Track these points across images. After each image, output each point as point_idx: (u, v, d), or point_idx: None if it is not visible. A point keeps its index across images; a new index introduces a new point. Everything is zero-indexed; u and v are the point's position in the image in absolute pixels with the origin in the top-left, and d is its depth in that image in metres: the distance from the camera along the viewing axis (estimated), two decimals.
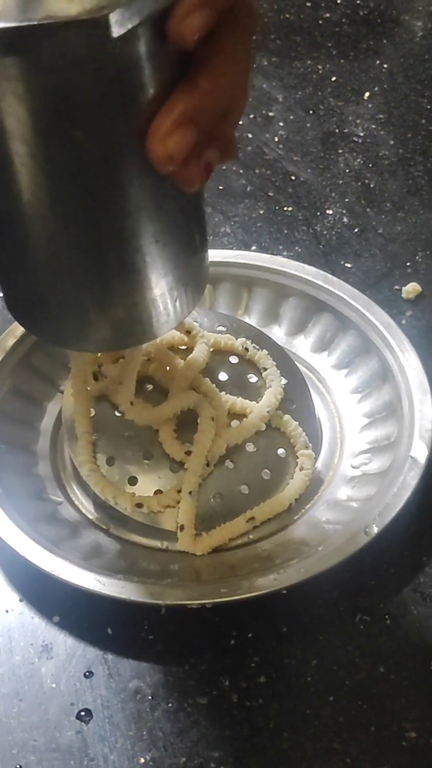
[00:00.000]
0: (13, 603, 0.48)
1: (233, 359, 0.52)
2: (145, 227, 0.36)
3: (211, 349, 0.51)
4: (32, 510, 0.49)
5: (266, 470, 0.49)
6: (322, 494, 0.50)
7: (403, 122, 0.76)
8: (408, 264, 0.64)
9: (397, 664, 0.44)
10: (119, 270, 0.37)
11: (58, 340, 0.42)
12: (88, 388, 0.50)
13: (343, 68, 0.82)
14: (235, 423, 0.49)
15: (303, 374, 0.54)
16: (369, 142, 0.74)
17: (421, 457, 0.48)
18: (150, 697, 0.44)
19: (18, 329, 0.55)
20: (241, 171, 0.72)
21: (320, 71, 0.82)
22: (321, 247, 0.66)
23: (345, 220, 0.68)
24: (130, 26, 0.30)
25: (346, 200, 0.69)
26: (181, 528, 0.47)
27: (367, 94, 0.79)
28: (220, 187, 0.70)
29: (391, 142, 0.74)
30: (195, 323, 0.51)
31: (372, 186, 0.70)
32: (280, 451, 0.50)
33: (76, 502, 0.51)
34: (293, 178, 0.72)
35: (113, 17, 0.29)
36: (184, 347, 0.51)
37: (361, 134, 0.75)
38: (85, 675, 0.45)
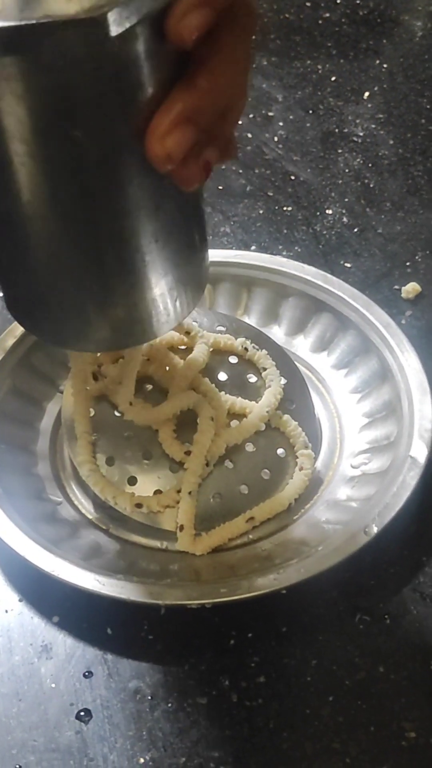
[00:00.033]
0: (13, 603, 0.48)
1: (233, 359, 0.52)
2: (145, 227, 0.36)
3: (211, 349, 0.51)
4: (32, 510, 0.49)
5: (266, 470, 0.49)
6: (321, 494, 0.50)
7: (402, 122, 0.76)
8: (408, 264, 0.64)
9: (396, 664, 0.44)
10: (119, 270, 0.37)
11: (58, 340, 0.41)
12: (88, 388, 0.50)
13: (342, 68, 0.82)
14: (234, 423, 0.49)
15: (302, 374, 0.54)
16: (369, 142, 0.74)
17: (421, 457, 0.48)
18: (150, 697, 0.44)
19: (18, 329, 0.55)
20: (240, 171, 0.72)
21: (320, 71, 0.82)
22: (321, 246, 0.66)
23: (345, 219, 0.68)
24: (128, 25, 0.30)
25: (346, 200, 0.69)
26: (181, 528, 0.47)
27: (366, 94, 0.79)
28: (220, 187, 0.70)
29: (391, 142, 0.74)
30: (194, 323, 0.51)
31: (372, 186, 0.70)
32: (280, 451, 0.50)
33: (76, 502, 0.51)
34: (293, 177, 0.72)
35: (111, 16, 0.29)
36: (183, 347, 0.51)
37: (361, 134, 0.75)
38: (84, 675, 0.45)
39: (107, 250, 0.36)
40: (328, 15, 0.88)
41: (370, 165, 0.72)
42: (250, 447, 0.49)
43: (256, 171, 0.72)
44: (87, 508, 0.51)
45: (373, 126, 0.76)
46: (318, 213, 0.68)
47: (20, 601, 0.48)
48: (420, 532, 0.49)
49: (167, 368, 0.50)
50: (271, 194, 0.70)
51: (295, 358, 0.55)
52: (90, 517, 0.51)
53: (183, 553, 0.48)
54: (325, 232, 0.67)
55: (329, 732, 0.42)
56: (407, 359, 0.53)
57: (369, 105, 0.78)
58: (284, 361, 0.53)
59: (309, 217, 0.68)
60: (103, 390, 0.50)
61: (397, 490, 0.47)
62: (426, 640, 0.45)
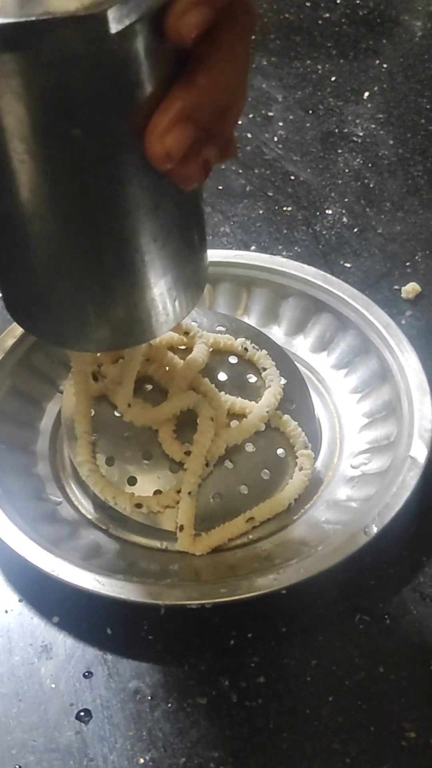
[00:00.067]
0: (13, 603, 0.48)
1: (232, 359, 0.52)
2: (144, 226, 0.36)
3: (211, 349, 0.51)
4: (31, 510, 0.49)
5: (266, 470, 0.49)
6: (321, 494, 0.50)
7: (402, 122, 0.76)
8: (407, 264, 0.64)
9: (396, 664, 0.44)
10: (118, 269, 0.37)
11: (58, 340, 0.41)
12: (88, 388, 0.50)
13: (342, 68, 0.82)
14: (234, 423, 0.49)
15: (302, 374, 0.54)
16: (368, 142, 0.74)
17: (421, 457, 0.48)
18: (149, 698, 0.44)
19: (17, 329, 0.55)
20: (240, 171, 0.72)
21: (320, 71, 0.82)
22: (320, 247, 0.66)
23: (344, 220, 0.68)
24: (128, 22, 0.30)
25: (346, 200, 0.69)
26: (181, 528, 0.47)
27: (366, 94, 0.79)
28: (220, 187, 0.70)
29: (391, 142, 0.74)
30: (194, 323, 0.51)
31: (371, 186, 0.70)
32: (280, 451, 0.50)
33: (76, 502, 0.51)
34: (293, 177, 0.72)
35: (111, 13, 0.29)
36: (183, 347, 0.51)
37: (361, 134, 0.75)
38: (84, 675, 0.45)
39: (106, 249, 0.36)
40: (327, 15, 0.88)
41: (370, 165, 0.72)
42: (249, 447, 0.49)
43: (256, 171, 0.72)
44: (87, 508, 0.51)
45: (373, 126, 0.76)
46: (318, 213, 0.68)
47: (20, 601, 0.48)
48: (420, 532, 0.49)
49: (167, 368, 0.50)
50: (270, 194, 0.70)
51: (294, 358, 0.55)
52: (90, 517, 0.51)
53: (183, 553, 0.48)
54: (324, 232, 0.67)
55: (329, 732, 0.42)
56: (407, 359, 0.53)
57: (369, 105, 0.78)
58: (284, 361, 0.53)
59: (309, 217, 0.68)
60: (103, 390, 0.50)
61: (397, 490, 0.47)
62: (426, 640, 0.45)
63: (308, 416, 0.52)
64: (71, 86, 0.31)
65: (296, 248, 0.66)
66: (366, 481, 0.49)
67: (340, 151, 0.74)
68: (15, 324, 0.50)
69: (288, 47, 0.85)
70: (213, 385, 0.50)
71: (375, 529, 0.45)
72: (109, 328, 0.39)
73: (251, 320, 0.58)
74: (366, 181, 0.71)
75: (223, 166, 0.71)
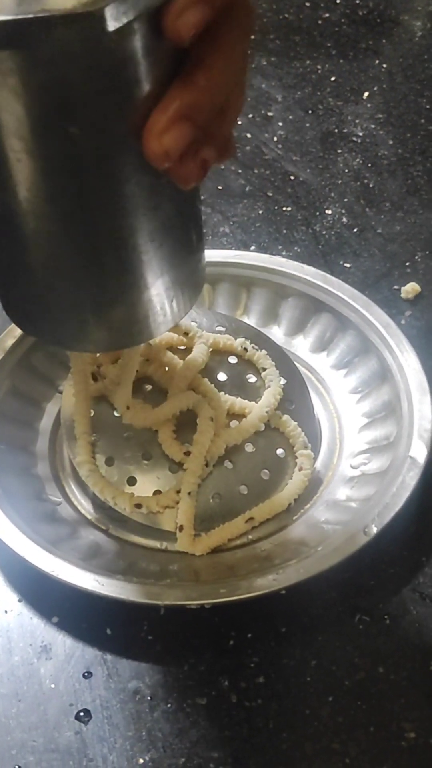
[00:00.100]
0: (12, 603, 0.48)
1: (232, 359, 0.52)
2: (142, 225, 0.36)
3: (210, 350, 0.51)
4: (31, 510, 0.49)
5: (265, 470, 0.49)
6: (321, 494, 0.50)
7: (402, 122, 0.76)
8: (407, 264, 0.64)
9: (396, 665, 0.44)
10: (116, 269, 0.37)
11: (56, 341, 0.41)
12: (88, 388, 0.50)
13: (342, 68, 0.82)
14: (234, 423, 0.49)
15: (302, 374, 0.54)
16: (368, 142, 0.74)
17: (420, 457, 0.48)
18: (149, 698, 0.44)
19: (17, 329, 0.55)
20: (240, 171, 0.72)
21: (319, 71, 0.82)
22: (320, 247, 0.66)
23: (344, 220, 0.68)
24: (125, 20, 0.30)
25: (345, 200, 0.69)
26: (180, 528, 0.47)
27: (366, 94, 0.79)
28: (219, 187, 0.70)
29: (390, 142, 0.74)
30: (193, 324, 0.51)
31: (371, 186, 0.70)
32: (279, 451, 0.50)
33: (75, 503, 0.51)
34: (292, 178, 0.72)
35: (108, 11, 0.29)
36: (183, 347, 0.51)
37: (361, 134, 0.75)
38: (84, 675, 0.45)
39: (104, 248, 0.36)
40: (327, 15, 0.89)
41: (369, 165, 0.72)
42: (249, 447, 0.49)
43: (256, 171, 0.72)
44: (86, 509, 0.51)
45: (373, 126, 0.76)
46: (317, 213, 0.68)
47: (20, 601, 0.48)
48: (419, 532, 0.49)
49: (166, 368, 0.50)
50: (270, 194, 0.70)
51: (294, 359, 0.55)
52: (89, 517, 0.51)
53: (182, 553, 0.48)
54: (324, 233, 0.67)
55: (329, 732, 0.42)
56: (407, 359, 0.53)
57: (368, 105, 0.78)
58: (284, 361, 0.53)
59: (308, 217, 0.68)
60: (103, 390, 0.50)
61: (397, 490, 0.47)
62: (425, 641, 0.45)
63: (308, 416, 0.52)
64: (68, 84, 0.31)
65: (296, 248, 0.66)
66: (366, 481, 0.49)
67: (339, 151, 0.74)
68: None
69: (287, 47, 0.85)
70: (213, 385, 0.50)
71: (374, 530, 0.45)
72: (107, 328, 0.39)
73: (251, 320, 0.58)
74: (366, 181, 0.71)
75: (222, 166, 0.71)
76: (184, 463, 0.48)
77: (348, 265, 0.64)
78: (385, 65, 0.82)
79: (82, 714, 0.43)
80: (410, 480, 0.47)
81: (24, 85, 0.31)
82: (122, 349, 0.47)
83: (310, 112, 0.78)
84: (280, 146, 0.75)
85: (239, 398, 0.50)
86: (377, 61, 0.83)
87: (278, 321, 0.59)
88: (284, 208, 0.69)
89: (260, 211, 0.69)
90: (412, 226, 0.67)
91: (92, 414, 0.50)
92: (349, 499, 0.49)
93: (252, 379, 0.52)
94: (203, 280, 0.42)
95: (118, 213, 0.35)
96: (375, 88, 0.80)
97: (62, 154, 0.33)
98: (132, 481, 0.48)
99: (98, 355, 0.49)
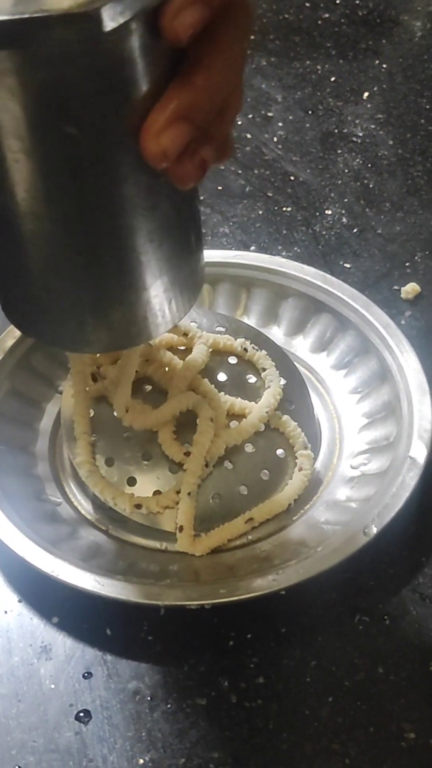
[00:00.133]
0: (12, 604, 0.48)
1: (232, 360, 0.52)
2: (140, 226, 0.36)
3: (210, 350, 0.51)
4: (31, 511, 0.49)
5: (265, 471, 0.49)
6: (321, 495, 0.50)
7: (402, 122, 0.76)
8: (407, 264, 0.64)
9: (396, 665, 0.44)
10: (114, 270, 0.37)
11: (54, 341, 0.41)
12: (87, 389, 0.50)
13: (342, 68, 0.82)
14: (234, 424, 0.49)
15: (302, 374, 0.54)
16: (368, 142, 0.74)
17: (420, 458, 0.48)
18: (149, 698, 0.44)
19: (17, 330, 0.55)
20: (239, 171, 0.72)
21: (319, 71, 0.82)
22: (320, 247, 0.66)
23: (344, 220, 0.68)
24: (122, 20, 0.29)
25: (345, 200, 0.69)
26: (180, 529, 0.47)
27: (366, 94, 0.79)
28: (219, 188, 0.70)
29: (390, 142, 0.74)
30: (193, 324, 0.51)
31: (371, 186, 0.70)
32: (279, 451, 0.50)
33: (75, 503, 0.51)
34: (292, 178, 0.72)
35: (105, 11, 0.29)
36: (182, 348, 0.51)
37: (360, 134, 0.75)
38: (84, 676, 0.45)
39: (102, 249, 0.36)
40: (327, 15, 0.88)
41: (369, 165, 0.72)
42: (249, 448, 0.49)
43: (256, 171, 0.72)
44: (86, 509, 0.51)
45: (373, 126, 0.76)
46: (317, 213, 0.68)
47: (20, 601, 0.48)
48: (419, 532, 0.49)
49: (166, 369, 0.50)
50: (270, 195, 0.70)
51: (294, 359, 0.55)
52: (89, 517, 0.51)
53: (182, 553, 0.48)
54: (324, 233, 0.67)
55: (329, 733, 0.42)
56: (406, 360, 0.53)
57: (368, 105, 0.78)
58: (283, 361, 0.53)
59: (308, 217, 0.68)
60: (102, 391, 0.50)
61: (397, 490, 0.47)
62: (425, 641, 0.45)
63: (308, 417, 0.52)
64: (66, 84, 0.31)
65: (296, 248, 0.66)
66: (365, 481, 0.49)
67: (339, 151, 0.74)
68: None
69: (287, 47, 0.85)
70: (212, 385, 0.50)
71: (374, 530, 0.45)
72: (106, 329, 0.39)
73: (251, 320, 0.58)
74: (366, 181, 0.71)
75: (222, 167, 0.71)
76: (184, 464, 0.48)
77: (348, 266, 0.64)
78: (385, 65, 0.82)
79: (82, 714, 0.43)
80: (410, 480, 0.47)
81: (21, 85, 0.31)
82: (121, 350, 0.47)
83: (310, 112, 0.78)
84: (280, 146, 0.75)
85: (239, 399, 0.50)
86: (377, 62, 0.83)
87: (278, 321, 0.59)
88: (284, 209, 0.69)
89: (260, 212, 0.69)
90: (412, 227, 0.67)
91: (92, 414, 0.50)
92: (349, 500, 0.49)
93: (252, 379, 0.52)
94: (202, 281, 0.42)
95: (116, 213, 0.35)
96: (375, 89, 0.80)
97: (60, 154, 0.33)
98: (132, 482, 0.48)
99: (98, 355, 0.49)
